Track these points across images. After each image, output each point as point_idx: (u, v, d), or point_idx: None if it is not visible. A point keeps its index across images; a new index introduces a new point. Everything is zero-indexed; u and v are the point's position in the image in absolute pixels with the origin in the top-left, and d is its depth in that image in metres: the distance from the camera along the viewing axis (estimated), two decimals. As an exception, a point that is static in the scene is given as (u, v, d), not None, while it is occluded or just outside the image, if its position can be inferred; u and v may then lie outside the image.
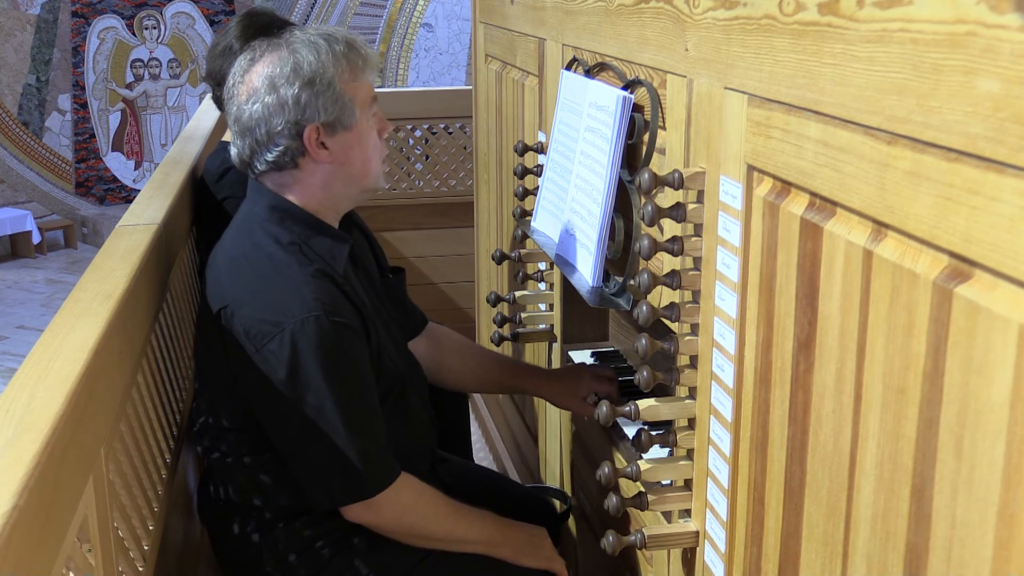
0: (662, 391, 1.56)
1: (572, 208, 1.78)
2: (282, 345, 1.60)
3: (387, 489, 1.68)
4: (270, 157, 1.70)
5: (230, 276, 1.71)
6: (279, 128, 1.68)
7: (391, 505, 1.70)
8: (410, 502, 1.73)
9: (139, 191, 2.41)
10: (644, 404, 1.50)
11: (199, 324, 1.87)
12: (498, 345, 2.51)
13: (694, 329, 1.44)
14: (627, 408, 1.52)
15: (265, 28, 2.39)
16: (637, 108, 1.61)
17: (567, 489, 2.35)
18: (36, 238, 8.94)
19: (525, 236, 2.19)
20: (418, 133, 4.19)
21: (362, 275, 1.86)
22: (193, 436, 1.89)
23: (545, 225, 1.99)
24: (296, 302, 1.62)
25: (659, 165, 1.56)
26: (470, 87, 3.26)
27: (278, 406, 1.64)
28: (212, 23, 9.70)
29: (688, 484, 1.51)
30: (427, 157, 4.20)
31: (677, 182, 1.38)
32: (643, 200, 1.44)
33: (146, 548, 1.54)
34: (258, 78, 1.69)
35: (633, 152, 1.63)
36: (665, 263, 1.53)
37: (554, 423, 2.44)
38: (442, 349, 2.17)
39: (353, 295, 1.73)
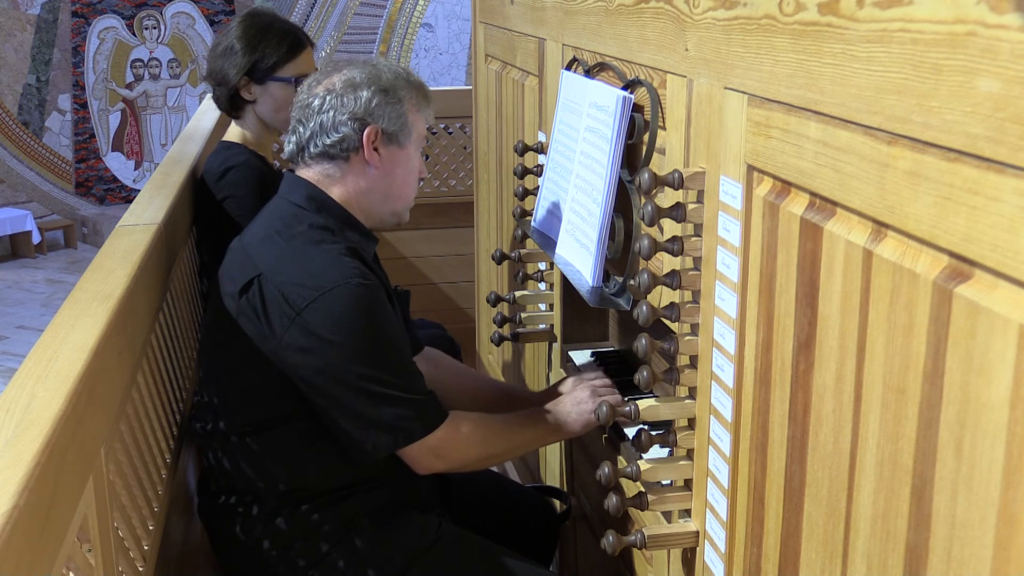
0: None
1: (572, 208, 1.78)
2: (323, 307, 1.66)
3: (446, 426, 1.75)
4: (328, 141, 1.81)
5: (262, 250, 1.77)
6: (345, 118, 1.80)
7: (456, 442, 1.77)
8: (469, 431, 1.80)
9: (139, 191, 2.41)
10: (644, 404, 1.50)
11: (209, 307, 1.90)
12: (498, 345, 2.51)
13: (694, 329, 1.44)
14: (627, 408, 1.52)
15: (266, 28, 2.40)
16: (637, 108, 1.61)
17: (567, 489, 2.35)
18: (36, 238, 8.92)
19: (525, 236, 2.19)
20: (418, 133, 4.18)
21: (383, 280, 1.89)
22: (195, 414, 1.90)
23: (545, 225, 1.99)
24: (335, 270, 1.70)
25: (659, 165, 1.56)
26: (470, 87, 3.26)
27: (323, 367, 1.68)
28: (212, 23, 9.69)
29: (688, 484, 1.51)
30: (427, 157, 4.19)
31: (677, 182, 1.38)
32: (643, 200, 1.44)
33: (146, 548, 1.54)
34: (338, 79, 1.83)
35: (633, 152, 1.63)
36: (665, 263, 1.53)
37: (554, 423, 2.44)
38: (441, 370, 2.19)
39: (382, 283, 1.79)
